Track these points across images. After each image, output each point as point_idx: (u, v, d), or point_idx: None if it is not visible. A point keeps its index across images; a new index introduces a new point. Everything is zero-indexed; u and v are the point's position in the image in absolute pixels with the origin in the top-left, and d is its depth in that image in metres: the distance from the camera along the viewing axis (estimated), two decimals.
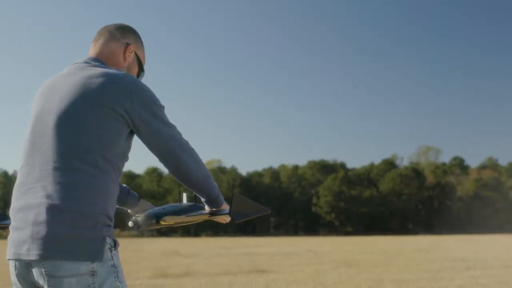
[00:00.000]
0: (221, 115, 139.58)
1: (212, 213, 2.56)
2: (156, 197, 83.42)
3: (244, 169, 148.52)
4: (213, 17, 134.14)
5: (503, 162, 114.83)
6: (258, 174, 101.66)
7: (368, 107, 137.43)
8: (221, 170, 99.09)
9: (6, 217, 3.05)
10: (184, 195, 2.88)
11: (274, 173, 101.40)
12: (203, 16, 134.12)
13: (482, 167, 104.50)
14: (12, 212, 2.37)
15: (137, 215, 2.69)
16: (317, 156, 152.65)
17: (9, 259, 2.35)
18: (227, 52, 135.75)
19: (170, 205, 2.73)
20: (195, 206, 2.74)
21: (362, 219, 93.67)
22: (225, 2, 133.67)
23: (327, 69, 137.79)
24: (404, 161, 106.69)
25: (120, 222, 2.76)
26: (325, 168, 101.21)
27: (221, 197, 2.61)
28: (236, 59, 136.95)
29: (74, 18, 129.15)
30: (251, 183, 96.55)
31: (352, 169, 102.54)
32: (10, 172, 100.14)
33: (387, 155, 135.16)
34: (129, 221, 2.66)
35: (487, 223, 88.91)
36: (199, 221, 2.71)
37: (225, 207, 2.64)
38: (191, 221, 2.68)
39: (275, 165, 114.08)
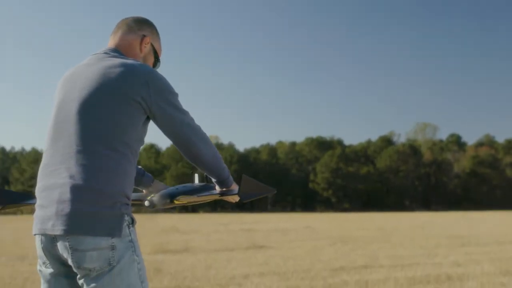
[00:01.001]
0: (218, 91, 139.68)
1: (222, 193, 2.74)
2: (153, 173, 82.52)
3: (241, 146, 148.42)
4: None
5: (500, 139, 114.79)
6: (256, 151, 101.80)
7: (366, 83, 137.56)
8: (219, 146, 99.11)
9: (30, 196, 3.24)
10: (196, 176, 3.09)
11: (272, 150, 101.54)
12: None
13: (479, 144, 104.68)
14: (38, 191, 2.59)
15: (152, 195, 2.91)
16: (314, 133, 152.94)
17: (35, 234, 2.57)
18: (224, 29, 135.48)
19: (183, 185, 2.94)
20: (206, 186, 2.95)
21: (359, 196, 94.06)
22: None
23: (324, 46, 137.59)
24: (401, 138, 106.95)
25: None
26: (323, 145, 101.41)
27: (231, 178, 2.82)
28: (234, 36, 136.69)
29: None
30: (249, 159, 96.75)
31: (349, 146, 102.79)
32: (8, 148, 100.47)
33: (384, 132, 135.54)
34: (145, 200, 2.88)
35: (484, 200, 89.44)
36: (210, 200, 2.90)
37: (234, 187, 2.85)
38: (203, 200, 2.88)
39: (273, 141, 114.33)
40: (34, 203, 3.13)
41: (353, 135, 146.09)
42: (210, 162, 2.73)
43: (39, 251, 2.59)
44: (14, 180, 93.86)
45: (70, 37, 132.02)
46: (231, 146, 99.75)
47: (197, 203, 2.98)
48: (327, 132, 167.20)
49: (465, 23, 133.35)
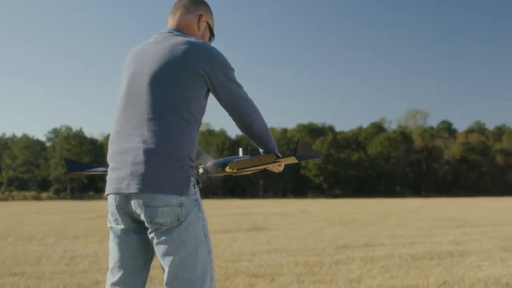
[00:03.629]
0: None
1: (277, 157, 2.92)
2: None
3: (233, 132, 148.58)
4: None
5: (490, 126, 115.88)
6: (247, 137, 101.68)
7: (357, 70, 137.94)
8: (210, 133, 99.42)
9: (90, 166, 3.55)
10: (240, 150, 3.34)
11: None
12: None
13: (470, 131, 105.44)
14: (111, 156, 2.89)
15: (206, 164, 3.18)
16: (305, 119, 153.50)
17: (109, 194, 2.87)
18: (218, 14, 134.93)
19: (231, 157, 3.21)
20: (254, 155, 3.18)
21: (351, 182, 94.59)
22: None
23: (315, 32, 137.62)
24: (392, 125, 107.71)
25: None
26: (314, 131, 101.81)
27: (277, 149, 3.10)
28: (228, 21, 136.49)
29: None
30: (240, 146, 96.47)
31: (341, 132, 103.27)
32: None
33: (375, 118, 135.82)
34: (200, 168, 3.15)
35: (474, 186, 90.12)
36: (260, 166, 3.08)
37: None
38: (253, 167, 3.08)
39: None
40: (96, 172, 3.45)
41: (345, 122, 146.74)
42: (261, 132, 3.02)
43: (112, 209, 2.88)
44: (5, 166, 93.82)
45: (63, 26, 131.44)
46: (222, 133, 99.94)
47: (247, 171, 3.18)
48: (318, 118, 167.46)
49: (456, 11, 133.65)
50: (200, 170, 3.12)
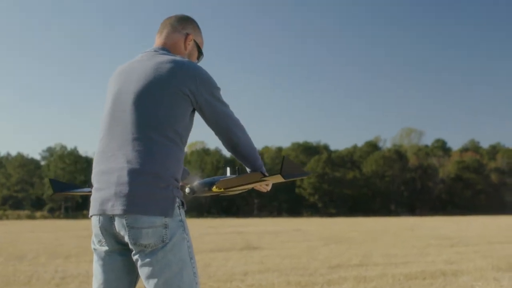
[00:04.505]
0: None
1: (264, 175, 2.87)
2: None
3: (227, 151, 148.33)
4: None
5: (485, 144, 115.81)
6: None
7: (352, 89, 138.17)
8: (205, 151, 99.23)
9: (78, 186, 3.53)
10: (228, 169, 3.33)
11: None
12: None
13: (464, 149, 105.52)
14: (95, 176, 2.85)
15: (192, 184, 3.15)
16: (300, 138, 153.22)
17: (93, 215, 2.83)
18: (211, 32, 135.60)
19: (218, 176, 3.18)
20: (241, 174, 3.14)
21: (345, 201, 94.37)
22: None
23: (311, 51, 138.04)
24: (387, 143, 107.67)
25: None
26: (309, 150, 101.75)
27: (264, 168, 3.06)
28: (220, 40, 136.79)
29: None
30: (235, 164, 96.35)
31: (336, 151, 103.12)
32: None
33: (370, 137, 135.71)
34: (186, 187, 3.12)
35: (469, 204, 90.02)
36: (247, 185, 3.06)
37: None
38: (240, 186, 3.05)
39: (259, 147, 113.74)
40: (81, 192, 3.41)
41: (339, 140, 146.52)
42: (247, 151, 3.00)
43: (95, 230, 2.84)
44: (0, 185, 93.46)
45: (58, 44, 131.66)
46: (217, 151, 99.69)
47: (234, 191, 3.16)
48: (313, 137, 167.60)
49: (450, 30, 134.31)
50: (187, 190, 3.09)
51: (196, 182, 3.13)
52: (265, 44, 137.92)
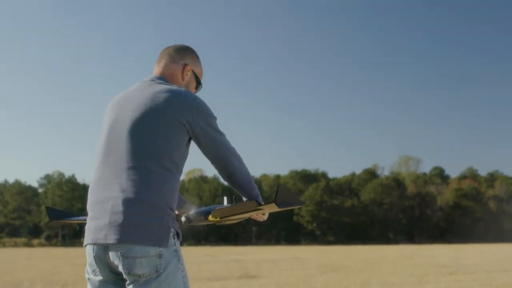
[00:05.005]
0: None
1: (258, 204, 2.84)
2: None
3: (223, 180, 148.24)
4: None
5: (483, 172, 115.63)
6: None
7: (349, 116, 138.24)
8: (203, 179, 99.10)
9: (71, 214, 3.53)
10: (225, 198, 3.32)
11: (256, 183, 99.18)
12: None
13: (462, 177, 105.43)
14: (90, 204, 2.84)
15: (188, 213, 3.13)
16: (299, 166, 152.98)
17: (87, 244, 2.81)
18: (210, 55, 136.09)
19: (214, 205, 3.17)
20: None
21: (344, 228, 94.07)
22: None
23: (308, 78, 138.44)
24: (385, 171, 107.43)
25: None
26: (307, 178, 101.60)
27: (260, 197, 3.05)
28: (219, 64, 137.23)
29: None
30: (233, 193, 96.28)
31: (334, 179, 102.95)
32: None
33: (368, 165, 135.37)
34: (182, 216, 3.11)
35: (467, 232, 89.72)
36: (243, 215, 3.03)
37: None
38: (237, 215, 3.03)
39: (257, 174, 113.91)
40: (77, 220, 3.40)
41: (338, 168, 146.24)
42: (243, 180, 3.00)
43: (90, 259, 2.82)
44: None
45: (56, 72, 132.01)
46: (215, 179, 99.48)
47: (231, 221, 3.14)
48: (311, 165, 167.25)
49: (449, 57, 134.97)
50: (183, 219, 3.08)
51: (192, 211, 3.12)
52: (261, 71, 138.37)
